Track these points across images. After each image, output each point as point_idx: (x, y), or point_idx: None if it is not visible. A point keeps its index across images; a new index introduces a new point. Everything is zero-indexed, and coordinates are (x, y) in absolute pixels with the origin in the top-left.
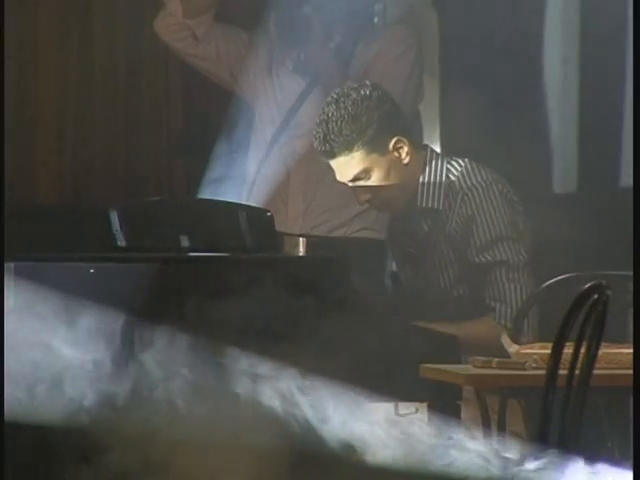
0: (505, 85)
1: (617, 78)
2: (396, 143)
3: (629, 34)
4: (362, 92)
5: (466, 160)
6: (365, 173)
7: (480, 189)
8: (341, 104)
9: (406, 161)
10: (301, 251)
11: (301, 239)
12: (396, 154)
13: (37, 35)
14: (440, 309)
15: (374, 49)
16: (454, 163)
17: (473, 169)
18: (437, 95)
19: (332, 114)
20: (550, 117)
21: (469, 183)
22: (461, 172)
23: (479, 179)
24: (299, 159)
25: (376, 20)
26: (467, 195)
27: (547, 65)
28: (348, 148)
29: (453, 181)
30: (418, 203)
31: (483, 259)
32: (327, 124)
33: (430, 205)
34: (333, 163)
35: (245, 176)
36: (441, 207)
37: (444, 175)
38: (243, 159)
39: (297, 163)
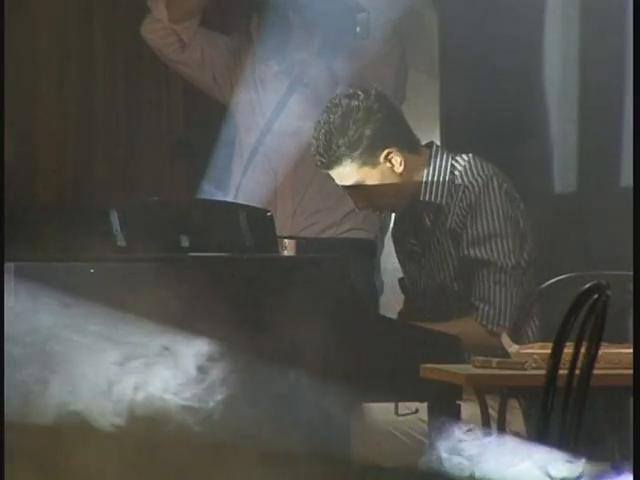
0: (505, 85)
1: (617, 78)
2: (387, 154)
3: (629, 34)
4: (352, 103)
5: (470, 155)
6: (359, 184)
7: (480, 181)
8: (331, 115)
9: (399, 170)
10: (290, 253)
11: (287, 241)
12: (388, 164)
13: (37, 37)
14: (441, 306)
15: (357, 53)
16: (458, 159)
17: (476, 164)
18: (437, 95)
19: (323, 124)
20: (550, 117)
21: (470, 176)
22: (464, 167)
23: (480, 173)
24: (286, 160)
25: (358, 29)
26: (467, 188)
27: (547, 65)
28: (337, 162)
29: (456, 176)
30: (421, 198)
31: (472, 254)
32: (319, 135)
33: (433, 199)
34: (330, 172)
35: (230, 179)
36: (444, 202)
37: (448, 171)
38: (228, 162)
39: (284, 164)
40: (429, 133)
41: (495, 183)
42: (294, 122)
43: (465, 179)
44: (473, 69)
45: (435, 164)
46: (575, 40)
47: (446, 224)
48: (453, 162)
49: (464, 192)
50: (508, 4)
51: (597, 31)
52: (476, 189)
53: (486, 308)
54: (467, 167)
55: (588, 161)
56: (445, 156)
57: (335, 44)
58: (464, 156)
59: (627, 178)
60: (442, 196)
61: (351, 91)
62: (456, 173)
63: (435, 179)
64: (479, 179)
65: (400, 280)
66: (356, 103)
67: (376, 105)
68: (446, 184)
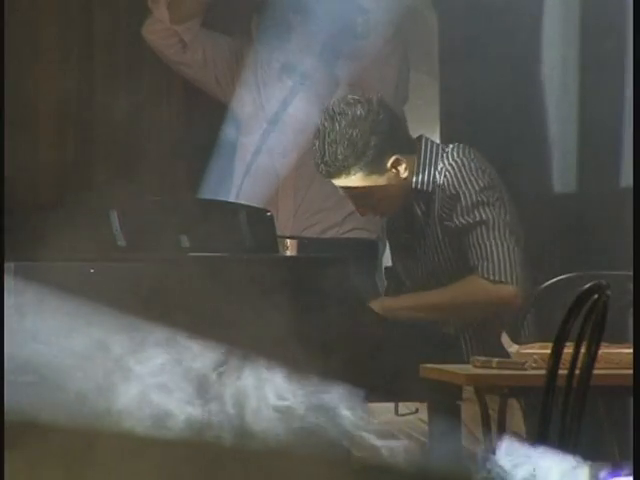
0: (505, 85)
1: (617, 78)
2: (394, 162)
3: (629, 33)
4: (358, 112)
5: (455, 143)
6: (364, 192)
7: (460, 162)
8: (336, 124)
9: (405, 175)
10: (292, 254)
11: (289, 241)
12: (394, 170)
13: (37, 36)
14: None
15: (359, 54)
16: (445, 148)
17: (457, 148)
18: (437, 95)
19: (328, 134)
20: (549, 117)
21: (450, 159)
22: (447, 152)
23: (460, 155)
24: (288, 160)
25: (359, 30)
26: (447, 170)
27: (547, 65)
28: (345, 172)
29: (440, 163)
30: (412, 187)
31: (464, 221)
32: (323, 144)
33: (425, 189)
34: (333, 181)
35: (232, 179)
36: (431, 189)
37: (439, 161)
38: (229, 161)
39: (286, 164)
40: (429, 133)
41: (473, 164)
42: (296, 122)
43: (446, 162)
44: (473, 69)
45: (425, 156)
46: (575, 40)
47: (434, 211)
48: (441, 152)
49: (445, 175)
50: (508, 4)
51: (597, 31)
52: (455, 170)
53: (486, 264)
54: (449, 152)
55: (588, 161)
56: (435, 147)
57: (336, 45)
58: (450, 145)
59: (627, 178)
60: (430, 185)
61: (352, 98)
62: (440, 161)
63: (425, 171)
64: (458, 160)
65: (386, 269)
66: (361, 112)
67: (381, 115)
68: (433, 173)
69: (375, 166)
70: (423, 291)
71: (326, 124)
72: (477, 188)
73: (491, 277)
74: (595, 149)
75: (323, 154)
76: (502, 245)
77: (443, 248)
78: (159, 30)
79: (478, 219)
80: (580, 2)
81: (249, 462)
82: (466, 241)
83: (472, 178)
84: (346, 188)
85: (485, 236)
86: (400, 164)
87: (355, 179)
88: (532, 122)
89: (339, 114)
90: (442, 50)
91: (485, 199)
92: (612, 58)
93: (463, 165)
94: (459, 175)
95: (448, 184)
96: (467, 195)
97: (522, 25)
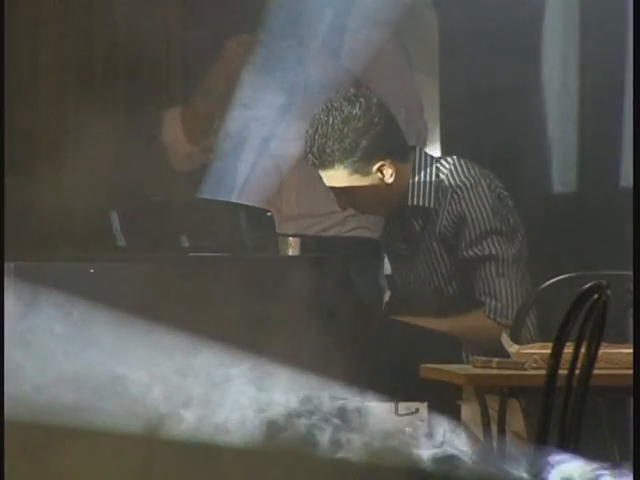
0: (505, 84)
1: (617, 78)
2: (380, 166)
3: (629, 34)
4: (354, 111)
5: (454, 157)
6: (346, 189)
7: (468, 184)
8: (331, 118)
9: (390, 181)
10: (294, 252)
11: (292, 239)
12: (379, 175)
13: (37, 37)
14: (433, 307)
15: (359, 55)
16: (442, 162)
17: (461, 166)
18: (437, 95)
19: (321, 126)
20: (549, 117)
21: (457, 180)
22: (449, 169)
23: (467, 175)
24: (291, 161)
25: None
26: (456, 192)
27: (547, 64)
28: (329, 166)
29: (442, 179)
30: (409, 202)
31: (472, 253)
32: (314, 135)
33: (421, 204)
34: (320, 172)
35: (235, 178)
36: (432, 205)
37: (434, 174)
38: (234, 162)
39: (289, 165)
40: (429, 133)
41: (484, 184)
42: (298, 124)
43: (452, 182)
44: (473, 69)
45: (421, 169)
46: (575, 40)
47: (435, 229)
48: (437, 165)
49: (452, 196)
50: (508, 4)
51: (597, 31)
52: (465, 193)
53: (493, 302)
54: (453, 170)
55: (588, 161)
56: (430, 160)
57: (337, 46)
58: (448, 159)
59: (627, 178)
60: (429, 200)
61: (353, 95)
62: (442, 176)
63: (422, 183)
64: (466, 181)
65: (387, 276)
66: (357, 112)
67: (377, 117)
68: (432, 188)
69: (360, 167)
70: (428, 316)
71: (322, 116)
72: (487, 213)
73: (498, 319)
74: (595, 149)
75: (312, 144)
76: (511, 285)
77: (445, 266)
78: (188, 157)
79: (487, 253)
80: (580, 2)
81: (251, 461)
82: (473, 273)
83: (481, 201)
84: (330, 181)
85: (494, 271)
86: (386, 169)
87: (338, 174)
88: (532, 122)
89: (336, 109)
90: (442, 50)
91: (494, 226)
92: (612, 58)
93: (472, 185)
94: (467, 197)
95: (458, 204)
96: (476, 220)
97: (522, 25)
